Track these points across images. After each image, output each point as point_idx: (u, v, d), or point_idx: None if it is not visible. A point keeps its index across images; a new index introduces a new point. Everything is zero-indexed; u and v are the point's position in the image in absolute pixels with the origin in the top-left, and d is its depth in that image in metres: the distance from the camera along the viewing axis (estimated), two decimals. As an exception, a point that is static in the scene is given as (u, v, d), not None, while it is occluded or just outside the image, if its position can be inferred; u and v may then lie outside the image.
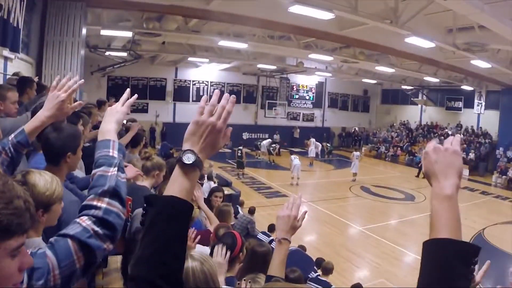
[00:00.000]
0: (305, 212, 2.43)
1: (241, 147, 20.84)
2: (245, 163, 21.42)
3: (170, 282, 1.14)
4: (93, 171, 1.56)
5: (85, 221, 1.38)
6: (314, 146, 26.42)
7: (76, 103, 2.35)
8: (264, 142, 27.23)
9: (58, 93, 2.23)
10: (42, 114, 2.23)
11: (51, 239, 1.34)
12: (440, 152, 1.29)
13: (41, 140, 2.67)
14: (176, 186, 1.24)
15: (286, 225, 2.32)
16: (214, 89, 30.35)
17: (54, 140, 2.70)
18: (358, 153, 22.88)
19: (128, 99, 1.91)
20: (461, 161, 1.29)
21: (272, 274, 2.32)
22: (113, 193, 1.46)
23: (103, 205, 1.43)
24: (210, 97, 1.33)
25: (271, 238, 9.02)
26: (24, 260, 1.09)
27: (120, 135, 8.18)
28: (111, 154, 1.61)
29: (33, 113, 3.18)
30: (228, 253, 3.10)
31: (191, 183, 1.26)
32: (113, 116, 1.83)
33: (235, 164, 22.05)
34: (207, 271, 1.94)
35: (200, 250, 3.47)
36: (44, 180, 2.10)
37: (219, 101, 1.35)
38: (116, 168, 1.55)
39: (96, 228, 1.37)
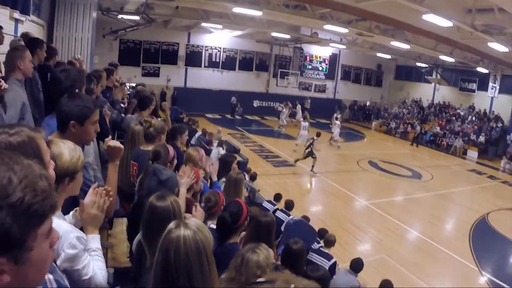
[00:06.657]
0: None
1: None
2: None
3: None
4: None
5: None
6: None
7: None
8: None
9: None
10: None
11: None
12: None
13: None
14: None
15: None
16: (226, 55, 30.22)
17: (63, 105, 2.69)
18: (306, 123, 21.42)
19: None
20: None
21: None
22: None
23: None
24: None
25: (276, 207, 9.11)
26: (53, 235, 1.10)
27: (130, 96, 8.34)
28: None
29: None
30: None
31: None
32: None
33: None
34: (200, 241, 1.86)
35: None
36: (69, 148, 2.11)
37: None
38: None
39: None
